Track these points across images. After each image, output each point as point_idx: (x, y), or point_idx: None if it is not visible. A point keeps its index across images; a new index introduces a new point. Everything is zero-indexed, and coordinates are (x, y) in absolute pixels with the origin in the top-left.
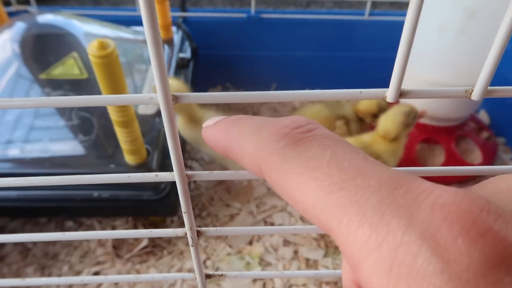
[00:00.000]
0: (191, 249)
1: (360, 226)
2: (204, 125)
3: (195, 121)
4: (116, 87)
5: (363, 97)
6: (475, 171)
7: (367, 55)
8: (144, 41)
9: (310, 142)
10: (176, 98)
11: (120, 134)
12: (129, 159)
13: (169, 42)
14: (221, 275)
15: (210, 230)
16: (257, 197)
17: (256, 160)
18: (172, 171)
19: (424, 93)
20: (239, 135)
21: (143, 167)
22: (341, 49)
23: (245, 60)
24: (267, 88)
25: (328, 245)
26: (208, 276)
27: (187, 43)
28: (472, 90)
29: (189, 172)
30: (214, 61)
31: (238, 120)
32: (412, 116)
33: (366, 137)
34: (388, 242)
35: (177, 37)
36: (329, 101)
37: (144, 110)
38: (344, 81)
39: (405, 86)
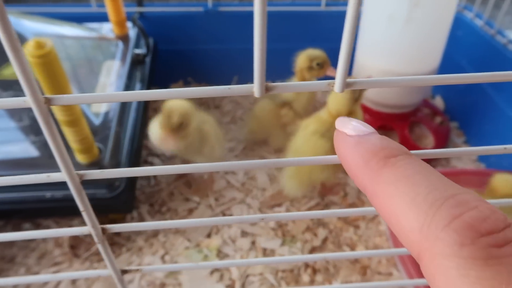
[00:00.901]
0: (99, 246)
1: None
2: (339, 127)
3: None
4: (57, 87)
5: (232, 93)
6: (426, 154)
7: (326, 46)
8: (98, 38)
9: (507, 266)
10: (48, 100)
11: (68, 133)
12: (80, 158)
13: (124, 38)
14: (137, 270)
15: (116, 227)
16: (216, 191)
17: (417, 246)
18: (126, 166)
19: (288, 87)
20: (392, 191)
21: (95, 165)
22: (300, 41)
23: (206, 54)
24: (229, 81)
25: (285, 234)
26: (124, 272)
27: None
28: (334, 84)
29: (80, 172)
30: (174, 56)
31: (393, 160)
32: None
33: (323, 114)
34: None
35: (133, 32)
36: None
37: (96, 108)
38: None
39: (358, 76)
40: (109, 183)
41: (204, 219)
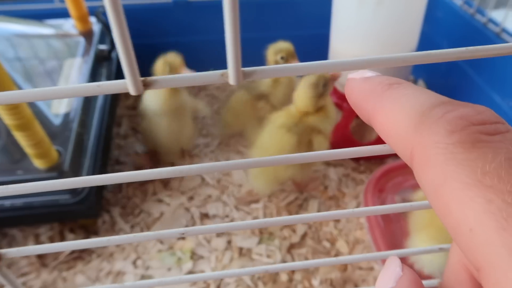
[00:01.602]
0: None
1: None
2: (350, 76)
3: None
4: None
5: (103, 91)
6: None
7: (301, 33)
8: (59, 35)
9: (495, 149)
10: None
11: (20, 138)
12: (38, 163)
13: (88, 34)
14: None
15: (11, 251)
16: (191, 188)
17: (410, 144)
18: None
19: (177, 80)
20: (393, 104)
21: (54, 170)
22: (273, 29)
23: (177, 47)
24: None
25: (262, 231)
26: None
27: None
28: (228, 74)
29: None
30: (144, 50)
31: (396, 85)
32: (321, 85)
33: (293, 108)
34: None
35: (97, 28)
36: (246, 84)
37: (56, 108)
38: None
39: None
40: (71, 188)
41: (122, 236)
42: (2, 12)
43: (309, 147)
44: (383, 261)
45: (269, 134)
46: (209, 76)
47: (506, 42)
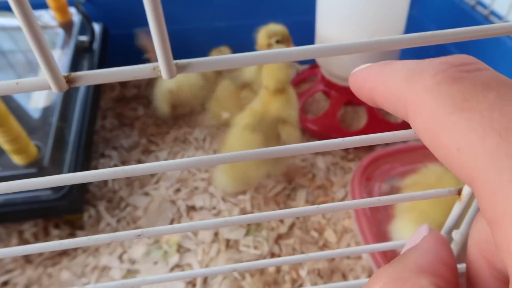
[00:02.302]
0: None
1: None
2: (352, 72)
3: None
4: None
5: (21, 89)
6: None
7: (286, 19)
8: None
9: (473, 81)
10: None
11: None
12: (16, 159)
13: (67, 25)
14: None
15: None
16: (178, 180)
17: (404, 95)
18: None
19: (107, 75)
20: (388, 73)
21: (33, 166)
22: (258, 16)
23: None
24: None
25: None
26: None
27: (94, 25)
28: (159, 68)
29: None
30: (128, 41)
31: (390, 62)
32: (274, 41)
33: (256, 105)
34: None
35: (77, 19)
36: (230, 73)
37: (35, 104)
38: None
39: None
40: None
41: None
42: None
43: (279, 140)
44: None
45: (235, 136)
46: (140, 70)
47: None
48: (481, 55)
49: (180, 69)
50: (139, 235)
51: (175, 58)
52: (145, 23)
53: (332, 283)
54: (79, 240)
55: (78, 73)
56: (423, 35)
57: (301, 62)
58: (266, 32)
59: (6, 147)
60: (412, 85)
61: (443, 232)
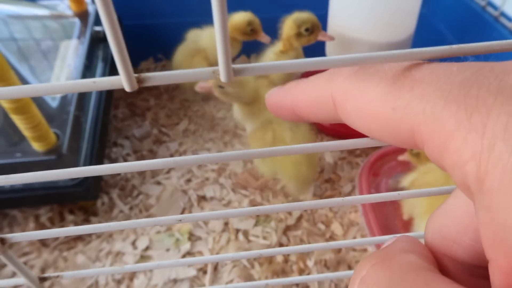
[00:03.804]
0: (1, 258)
1: (446, 104)
2: (267, 94)
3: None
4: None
5: (98, 87)
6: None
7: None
8: (54, 16)
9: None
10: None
11: (18, 121)
12: (36, 146)
13: (83, 15)
14: (57, 276)
15: (17, 236)
16: (189, 171)
17: (328, 90)
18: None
19: (171, 77)
20: (308, 83)
21: (52, 153)
22: (270, 10)
23: (174, 29)
24: None
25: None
26: (43, 279)
27: None
28: (219, 72)
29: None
30: (142, 31)
31: (303, 79)
32: (304, 28)
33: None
34: (480, 111)
35: (92, 8)
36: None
37: None
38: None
39: (331, 45)
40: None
41: (126, 222)
42: None
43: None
44: (377, 245)
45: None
46: (201, 73)
47: (504, 26)
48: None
49: (237, 73)
50: (180, 220)
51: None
52: (158, 14)
53: (337, 272)
54: (122, 223)
55: (148, 74)
56: (440, 49)
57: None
58: (293, 21)
59: (27, 134)
60: (335, 80)
61: None
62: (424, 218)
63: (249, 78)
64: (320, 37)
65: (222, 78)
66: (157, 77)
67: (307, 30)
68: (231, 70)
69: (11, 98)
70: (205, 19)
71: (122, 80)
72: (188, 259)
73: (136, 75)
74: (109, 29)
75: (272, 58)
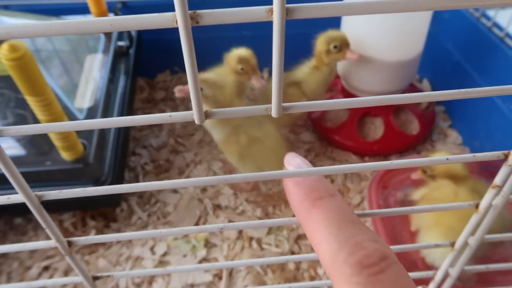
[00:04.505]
0: (67, 258)
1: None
2: (286, 162)
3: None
4: (35, 88)
5: (172, 120)
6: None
7: (309, 31)
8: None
9: (381, 283)
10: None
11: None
12: (65, 155)
13: None
14: (108, 276)
15: (81, 239)
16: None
17: (329, 272)
18: (109, 163)
19: (233, 112)
20: (317, 232)
21: (79, 162)
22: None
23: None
24: None
25: None
26: (96, 278)
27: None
28: (271, 108)
29: (39, 193)
30: (159, 45)
31: (319, 202)
32: (333, 46)
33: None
34: None
35: None
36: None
37: (80, 103)
38: (296, 59)
39: (343, 63)
40: (95, 178)
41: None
42: (22, 8)
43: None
44: None
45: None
46: (255, 109)
47: (509, 46)
48: (495, 74)
49: (285, 109)
50: (222, 228)
51: (202, 63)
52: (174, 29)
53: None
54: (173, 231)
55: (214, 110)
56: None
57: None
58: (324, 38)
59: (58, 143)
60: (336, 273)
61: (461, 238)
62: (429, 231)
63: (227, 81)
64: (348, 55)
65: (273, 113)
66: (221, 112)
67: (335, 47)
68: (281, 107)
69: (91, 128)
70: (219, 34)
71: (194, 115)
72: (205, 265)
73: (204, 110)
74: (192, 76)
75: (306, 72)
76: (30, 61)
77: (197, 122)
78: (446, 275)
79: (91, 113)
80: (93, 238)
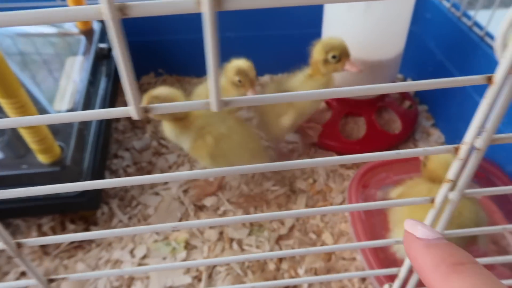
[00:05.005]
0: (17, 261)
1: None
2: (408, 228)
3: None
4: (8, 90)
5: (109, 116)
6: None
7: (293, 32)
8: (60, 34)
9: None
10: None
11: (25, 134)
12: (41, 158)
13: (88, 32)
14: (63, 278)
15: (30, 241)
16: (187, 181)
17: None
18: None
19: (172, 108)
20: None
21: (57, 165)
22: (271, 28)
23: (174, 45)
24: (201, 71)
25: (253, 223)
26: (51, 280)
27: None
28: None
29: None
30: (143, 47)
31: (460, 267)
32: (331, 55)
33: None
34: None
35: (97, 26)
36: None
37: (58, 105)
38: (279, 60)
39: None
40: (73, 181)
41: (120, 230)
42: (3, 10)
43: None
44: (362, 251)
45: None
46: (196, 103)
47: (489, 45)
48: (474, 72)
49: (226, 104)
50: (175, 227)
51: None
52: (159, 31)
53: (323, 276)
54: (123, 230)
55: (153, 105)
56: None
57: None
58: (322, 46)
59: (34, 146)
60: None
61: None
62: (400, 227)
63: (177, 93)
64: (348, 67)
65: (213, 108)
66: (159, 108)
67: (334, 57)
68: (221, 102)
69: (30, 125)
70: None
71: (131, 110)
72: (184, 263)
73: (142, 106)
74: (123, 70)
75: (300, 80)
76: (1, 63)
77: (136, 117)
78: (410, 272)
79: None
80: (43, 239)
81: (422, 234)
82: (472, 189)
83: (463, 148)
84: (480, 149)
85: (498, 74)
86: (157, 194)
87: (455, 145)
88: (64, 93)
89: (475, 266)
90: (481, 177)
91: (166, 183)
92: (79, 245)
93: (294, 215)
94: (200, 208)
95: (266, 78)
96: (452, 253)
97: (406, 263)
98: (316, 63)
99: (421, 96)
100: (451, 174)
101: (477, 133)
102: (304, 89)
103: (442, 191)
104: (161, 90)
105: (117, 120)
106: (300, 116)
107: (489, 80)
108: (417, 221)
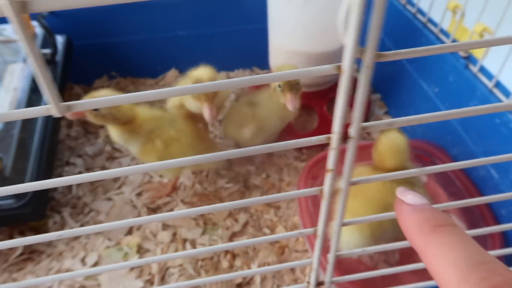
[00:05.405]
0: None
1: None
2: (400, 195)
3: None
4: None
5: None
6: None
7: (243, 27)
8: None
9: None
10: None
11: None
12: None
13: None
14: None
15: None
16: (141, 185)
17: None
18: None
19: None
20: (437, 250)
21: None
22: (220, 25)
23: (126, 46)
24: (156, 72)
25: (207, 222)
26: None
27: (57, 37)
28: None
29: None
30: (93, 50)
31: (439, 228)
32: (277, 84)
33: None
34: None
35: (40, 32)
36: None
37: None
38: (234, 56)
39: (273, 57)
40: (14, 192)
41: (57, 233)
42: None
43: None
44: (308, 237)
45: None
46: (37, 109)
47: (431, 31)
48: (423, 64)
49: (69, 108)
50: (60, 235)
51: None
52: (109, 33)
53: (273, 265)
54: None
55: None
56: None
57: (260, 67)
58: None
59: None
60: None
61: (319, 225)
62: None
63: (112, 93)
64: (285, 100)
65: (53, 112)
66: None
67: (279, 86)
68: (62, 107)
69: None
70: (155, 36)
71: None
72: (134, 261)
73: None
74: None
75: (265, 97)
76: None
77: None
78: (320, 262)
79: (9, 126)
80: None
81: (411, 200)
82: (358, 178)
83: (333, 137)
84: (352, 137)
85: (345, 62)
86: (109, 199)
87: (327, 135)
88: (2, 102)
89: (454, 228)
90: (426, 161)
91: (119, 187)
92: (29, 257)
93: (241, 204)
94: (153, 211)
95: (222, 75)
96: (435, 217)
97: (316, 253)
98: (273, 85)
99: (375, 85)
100: (330, 164)
101: (341, 122)
102: (265, 106)
103: (326, 180)
104: (104, 92)
105: (69, 126)
106: (262, 130)
107: (339, 69)
108: (407, 188)
